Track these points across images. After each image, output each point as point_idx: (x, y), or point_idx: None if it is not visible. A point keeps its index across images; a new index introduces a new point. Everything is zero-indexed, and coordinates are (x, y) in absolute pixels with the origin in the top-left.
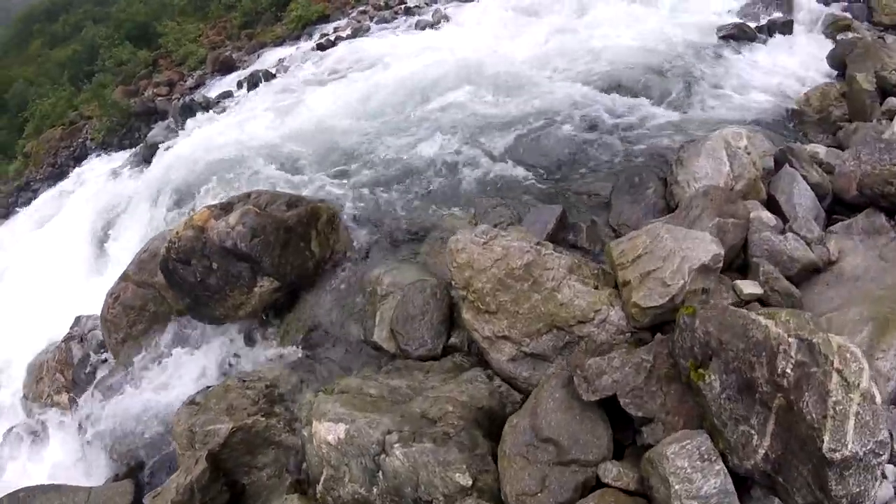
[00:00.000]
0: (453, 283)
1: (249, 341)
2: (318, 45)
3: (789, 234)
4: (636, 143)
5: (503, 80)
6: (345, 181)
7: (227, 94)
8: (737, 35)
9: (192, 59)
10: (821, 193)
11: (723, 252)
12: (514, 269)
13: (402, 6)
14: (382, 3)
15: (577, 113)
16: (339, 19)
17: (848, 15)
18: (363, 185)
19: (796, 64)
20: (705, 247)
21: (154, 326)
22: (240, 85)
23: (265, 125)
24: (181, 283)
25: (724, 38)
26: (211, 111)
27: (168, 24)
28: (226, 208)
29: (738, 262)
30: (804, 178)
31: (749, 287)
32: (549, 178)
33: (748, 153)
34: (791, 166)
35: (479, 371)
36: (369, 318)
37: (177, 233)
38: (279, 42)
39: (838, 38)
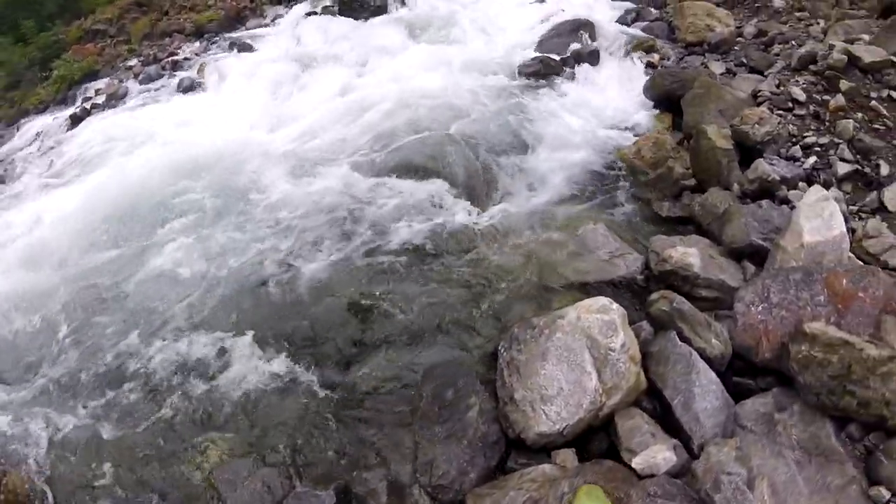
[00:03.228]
0: None
1: None
2: (72, 116)
3: None
4: (437, 289)
5: (249, 184)
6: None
7: None
8: (542, 71)
9: None
10: (719, 365)
11: None
12: None
13: (171, 59)
14: (152, 57)
15: (348, 234)
16: (110, 74)
17: (649, 35)
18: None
19: (612, 100)
20: None
21: None
22: None
23: None
24: None
25: (528, 76)
26: None
27: None
28: None
29: None
30: (701, 352)
31: None
32: (306, 390)
33: (626, 350)
34: (680, 337)
35: None
36: None
37: None
38: (43, 108)
39: (645, 60)
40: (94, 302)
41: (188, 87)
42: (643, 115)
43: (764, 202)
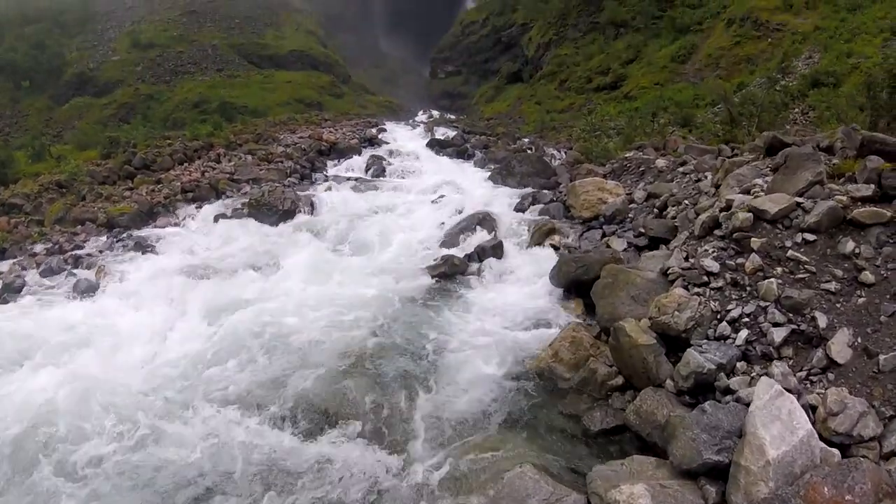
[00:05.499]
0: None
1: None
2: None
3: None
4: None
5: (118, 434)
6: None
7: None
8: (448, 272)
9: None
10: None
11: None
12: None
13: (75, 252)
14: (58, 247)
15: None
16: (16, 255)
17: (547, 218)
18: None
19: (520, 294)
20: None
21: None
22: None
23: None
24: None
25: (434, 277)
26: None
27: None
28: None
29: None
30: None
31: None
32: None
33: None
34: None
35: None
36: None
37: None
38: None
39: (547, 244)
40: None
41: (83, 291)
42: (553, 304)
43: (707, 405)
